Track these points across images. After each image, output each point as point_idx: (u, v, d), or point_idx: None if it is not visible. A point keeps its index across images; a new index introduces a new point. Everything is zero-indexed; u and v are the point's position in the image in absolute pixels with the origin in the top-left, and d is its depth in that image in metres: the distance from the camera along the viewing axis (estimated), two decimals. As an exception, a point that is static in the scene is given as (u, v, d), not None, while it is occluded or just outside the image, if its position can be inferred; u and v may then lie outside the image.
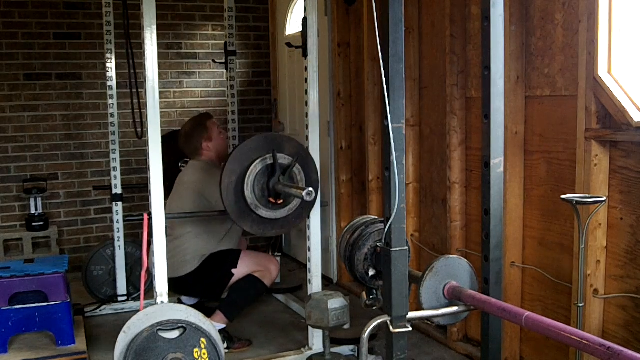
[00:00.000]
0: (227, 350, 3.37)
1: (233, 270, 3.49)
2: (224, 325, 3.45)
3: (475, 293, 2.18)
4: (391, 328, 2.05)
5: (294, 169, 3.01)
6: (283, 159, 3.00)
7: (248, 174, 2.92)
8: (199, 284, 3.52)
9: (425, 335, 3.59)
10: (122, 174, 4.17)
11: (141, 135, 3.98)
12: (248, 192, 2.93)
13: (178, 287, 3.50)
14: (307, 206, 3.09)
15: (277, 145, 3.00)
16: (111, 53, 4.07)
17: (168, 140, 3.64)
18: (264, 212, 2.99)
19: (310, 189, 2.71)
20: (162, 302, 2.75)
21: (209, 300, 3.78)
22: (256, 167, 2.94)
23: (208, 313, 3.22)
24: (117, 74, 4.13)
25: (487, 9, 2.16)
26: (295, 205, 3.05)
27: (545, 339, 2.85)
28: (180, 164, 3.98)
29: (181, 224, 3.52)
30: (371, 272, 2.48)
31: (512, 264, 2.97)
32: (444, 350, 3.39)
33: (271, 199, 2.97)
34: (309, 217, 3.18)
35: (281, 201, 2.99)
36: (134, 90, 3.79)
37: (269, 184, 2.96)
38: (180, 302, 3.66)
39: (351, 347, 3.34)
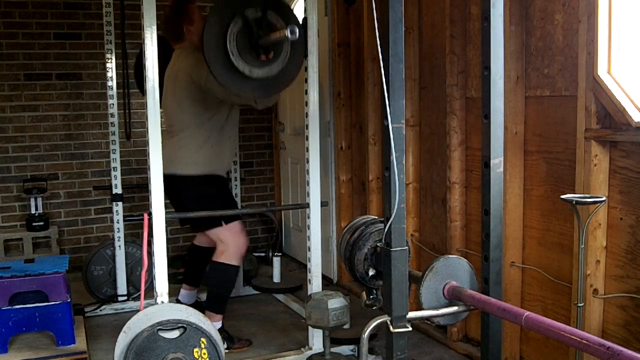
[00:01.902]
0: (227, 350, 3.37)
1: (223, 222, 3.41)
2: (220, 323, 3.45)
3: (475, 293, 2.19)
4: (391, 328, 2.05)
5: (270, 19, 2.83)
6: (254, 12, 2.82)
7: (227, 41, 2.75)
8: (190, 197, 3.41)
9: (425, 335, 3.59)
10: (122, 174, 4.17)
11: (130, 135, 3.99)
12: (235, 58, 2.77)
13: (168, 185, 3.25)
14: (298, 49, 2.95)
15: (244, 1, 2.82)
16: (111, 53, 4.07)
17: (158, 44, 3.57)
18: (259, 72, 2.82)
19: (292, 25, 2.54)
20: (162, 302, 2.75)
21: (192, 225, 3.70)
22: (232, 32, 2.76)
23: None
24: (117, 74, 4.14)
25: (487, 9, 2.16)
26: (287, 53, 2.89)
27: (545, 339, 2.86)
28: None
29: (180, 120, 3.41)
30: (371, 272, 2.48)
31: (512, 264, 2.98)
32: (443, 350, 3.40)
33: (262, 57, 2.82)
34: (307, 162, 3.14)
35: (271, 55, 2.84)
36: (127, 91, 3.79)
37: (251, 43, 2.79)
38: (178, 302, 3.66)
39: (351, 347, 3.34)
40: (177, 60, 3.47)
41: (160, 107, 2.78)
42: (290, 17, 2.93)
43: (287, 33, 2.51)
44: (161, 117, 2.80)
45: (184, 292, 3.86)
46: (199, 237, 3.87)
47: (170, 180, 3.26)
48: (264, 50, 2.82)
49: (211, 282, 3.51)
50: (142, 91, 2.97)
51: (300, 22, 3.10)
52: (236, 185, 4.30)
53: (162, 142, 2.80)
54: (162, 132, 2.80)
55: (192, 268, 3.91)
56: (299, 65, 3.02)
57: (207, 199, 3.41)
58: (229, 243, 3.44)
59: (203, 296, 4.07)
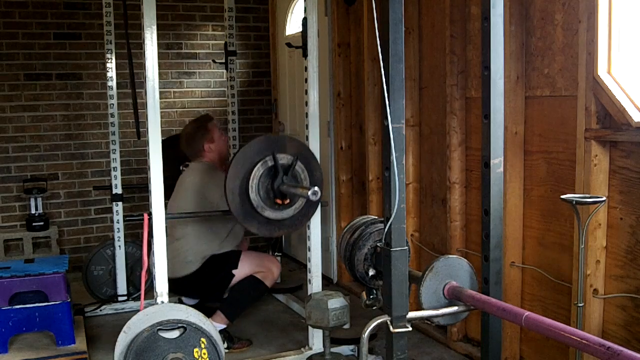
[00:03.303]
0: (227, 350, 3.37)
1: (234, 271, 3.48)
2: (224, 326, 3.45)
3: (475, 293, 2.19)
4: (391, 328, 2.05)
5: (296, 168, 3.00)
6: (285, 159, 2.99)
7: (252, 176, 2.92)
8: (199, 285, 3.51)
9: (425, 335, 3.59)
10: (122, 174, 4.17)
11: (140, 135, 3.99)
12: (253, 194, 2.92)
13: (179, 288, 3.50)
14: (312, 204, 3.09)
15: (278, 146, 3.00)
16: (111, 53, 4.08)
17: (169, 144, 3.64)
18: (270, 214, 2.98)
19: (316, 188, 2.69)
20: (162, 302, 2.75)
21: (209, 301, 3.79)
22: (259, 170, 2.93)
23: (208, 313, 3.22)
24: (117, 74, 4.14)
25: (487, 9, 2.16)
26: (301, 204, 3.04)
27: (545, 339, 2.86)
28: (181, 167, 4.00)
29: (182, 225, 3.52)
30: (371, 272, 2.48)
31: (512, 264, 2.98)
32: (444, 350, 3.40)
33: (277, 200, 2.96)
34: None
35: (287, 201, 2.99)
36: (138, 91, 3.78)
37: (274, 185, 2.95)
38: (180, 302, 3.66)
39: (351, 347, 3.34)
40: (193, 173, 3.58)
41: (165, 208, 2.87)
42: (315, 171, 3.08)
43: (310, 194, 2.68)
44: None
45: None
46: None
47: (177, 283, 3.36)
48: (281, 196, 2.96)
49: (238, 289, 3.53)
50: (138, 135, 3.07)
51: (301, 23, 3.12)
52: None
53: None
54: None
55: None
56: (308, 216, 3.13)
57: (213, 280, 3.50)
58: (267, 268, 3.55)
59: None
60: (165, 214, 2.83)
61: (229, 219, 3.41)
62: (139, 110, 4.90)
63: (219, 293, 3.58)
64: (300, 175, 3.04)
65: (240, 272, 3.50)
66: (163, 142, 2.79)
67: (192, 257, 3.47)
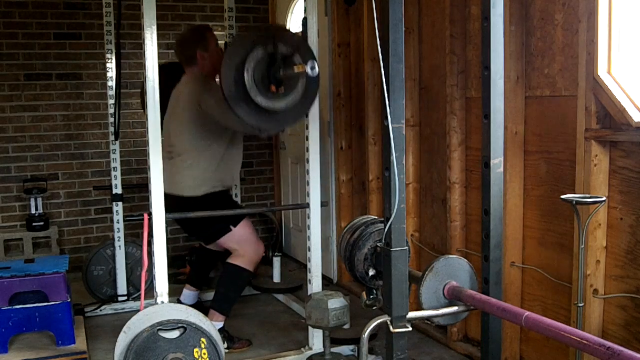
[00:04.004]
0: (227, 350, 3.37)
1: (232, 227, 3.42)
2: (222, 324, 3.44)
3: (475, 293, 2.19)
4: (391, 328, 2.05)
5: (294, 59, 2.84)
6: (284, 48, 2.83)
7: (249, 59, 2.76)
8: (197, 221, 3.41)
9: (425, 335, 3.59)
10: (122, 174, 4.17)
11: (117, 136, 3.97)
12: (248, 76, 2.76)
13: (172, 205, 3.28)
14: (307, 100, 2.96)
15: (278, 35, 2.85)
16: (111, 53, 4.07)
17: (168, 70, 3.58)
18: (262, 100, 2.81)
19: (313, 61, 2.56)
20: (162, 302, 2.75)
21: (194, 237, 3.65)
22: (257, 53, 2.78)
23: (206, 313, 3.22)
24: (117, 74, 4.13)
25: (487, 9, 2.16)
26: (295, 98, 2.90)
27: (545, 339, 2.86)
28: None
29: (181, 143, 3.42)
30: (371, 272, 2.48)
31: (512, 264, 2.98)
32: (444, 350, 3.40)
33: (272, 87, 2.82)
34: (307, 162, 3.14)
35: (282, 90, 2.85)
36: (120, 91, 3.80)
37: (270, 72, 2.81)
38: (179, 302, 3.66)
39: (351, 347, 3.34)
40: (185, 84, 3.49)
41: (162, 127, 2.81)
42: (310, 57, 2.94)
43: (307, 68, 2.56)
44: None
45: (186, 292, 3.87)
46: None
47: (173, 200, 3.28)
48: (277, 82, 2.83)
49: (222, 282, 3.49)
50: (144, 108, 3.01)
51: (301, 23, 3.11)
52: (236, 185, 4.30)
53: (164, 165, 2.81)
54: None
55: (197, 269, 3.91)
56: (300, 114, 3.03)
57: (213, 217, 3.40)
58: (245, 249, 3.45)
59: (205, 297, 4.09)
60: (162, 131, 2.75)
61: (224, 133, 3.35)
62: (139, 111, 4.91)
63: (207, 236, 3.51)
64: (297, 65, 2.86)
65: (238, 232, 3.43)
66: (163, 67, 2.72)
67: (191, 180, 3.39)
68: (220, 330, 3.36)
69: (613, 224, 2.51)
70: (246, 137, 5.42)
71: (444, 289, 2.25)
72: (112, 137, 4.08)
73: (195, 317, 2.67)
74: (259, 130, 3.15)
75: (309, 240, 3.20)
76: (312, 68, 2.55)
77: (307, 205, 3.19)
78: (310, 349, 3.26)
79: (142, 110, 4.66)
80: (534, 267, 2.92)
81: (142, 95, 3.56)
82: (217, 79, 3.12)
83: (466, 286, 2.26)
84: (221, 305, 3.45)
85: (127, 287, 4.20)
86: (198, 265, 3.92)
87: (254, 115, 2.85)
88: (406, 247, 2.07)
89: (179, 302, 3.68)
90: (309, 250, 3.19)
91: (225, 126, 3.31)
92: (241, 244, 3.46)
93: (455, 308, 2.23)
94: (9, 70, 4.81)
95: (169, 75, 2.89)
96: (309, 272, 3.20)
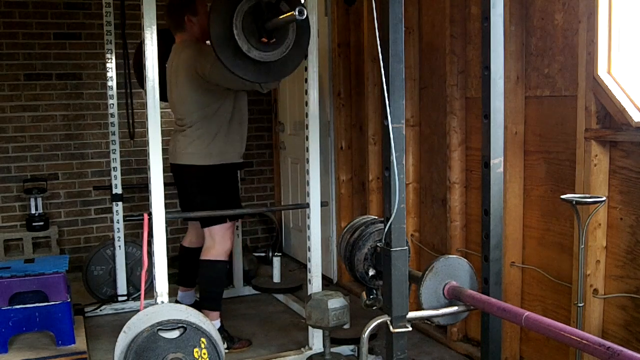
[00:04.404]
0: (227, 350, 3.37)
1: (228, 219, 3.46)
2: (218, 321, 3.46)
3: (475, 293, 2.19)
4: (391, 328, 2.05)
5: (280, 6, 2.82)
6: None
7: (235, 14, 2.74)
8: (199, 188, 3.46)
9: (425, 335, 3.59)
10: (122, 174, 4.17)
11: (133, 135, 3.99)
12: (237, 33, 2.75)
13: (185, 176, 3.48)
14: (300, 48, 2.96)
15: None
16: (111, 53, 4.08)
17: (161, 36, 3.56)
18: (257, 54, 2.80)
19: (301, 6, 2.51)
20: (162, 302, 2.75)
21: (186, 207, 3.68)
22: (242, 7, 2.76)
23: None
24: (117, 74, 4.14)
25: (487, 9, 2.16)
26: (289, 44, 2.89)
27: (545, 339, 2.86)
28: (167, 63, 3.93)
29: (189, 114, 3.42)
30: (371, 272, 2.48)
31: (512, 264, 2.98)
32: (444, 350, 3.40)
33: (264, 39, 2.80)
34: (307, 162, 3.14)
35: (273, 40, 2.83)
36: (129, 91, 3.79)
37: (258, 23, 2.78)
38: (177, 302, 3.66)
39: (351, 347, 3.34)
40: (178, 53, 3.47)
41: (162, 100, 2.82)
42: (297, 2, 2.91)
43: (296, 13, 2.50)
44: (162, 114, 2.81)
45: (181, 294, 3.87)
46: (188, 238, 3.88)
47: (180, 170, 3.44)
48: (268, 34, 2.81)
49: (202, 280, 3.52)
50: (142, 85, 3.00)
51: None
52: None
53: (173, 137, 2.77)
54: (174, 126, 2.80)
55: (184, 269, 3.91)
56: (297, 60, 3.01)
57: (215, 192, 3.45)
58: (218, 241, 3.46)
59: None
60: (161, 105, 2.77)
61: (226, 101, 3.38)
62: (139, 111, 4.91)
63: (205, 219, 3.47)
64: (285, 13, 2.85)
65: (227, 226, 3.47)
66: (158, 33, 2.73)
67: (204, 150, 3.40)
68: (220, 330, 3.37)
69: (613, 224, 2.51)
70: (251, 122, 5.40)
71: (444, 289, 2.25)
72: (112, 137, 4.09)
73: (195, 317, 2.67)
74: (259, 85, 3.17)
75: (309, 240, 3.20)
76: (300, 13, 2.49)
77: (307, 205, 3.19)
78: (310, 349, 3.26)
79: (142, 110, 4.66)
80: (534, 267, 2.92)
81: (139, 71, 3.55)
82: (208, 43, 3.10)
83: (466, 286, 2.26)
84: (209, 304, 3.47)
85: (127, 287, 4.20)
86: (184, 265, 3.91)
87: (251, 71, 2.86)
88: (406, 247, 2.07)
89: (177, 302, 3.68)
90: (309, 250, 3.19)
91: (226, 87, 3.32)
92: (224, 237, 3.48)
93: (455, 308, 2.23)
94: (9, 70, 4.81)
95: (160, 43, 2.90)
96: (309, 272, 3.20)
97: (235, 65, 2.83)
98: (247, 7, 2.77)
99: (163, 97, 3.61)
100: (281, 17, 2.69)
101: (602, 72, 2.47)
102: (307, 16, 3.04)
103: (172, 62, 3.51)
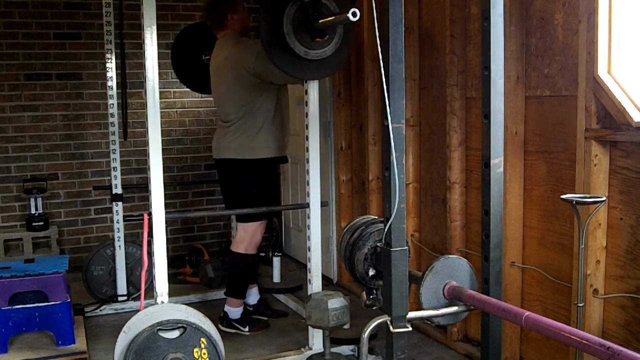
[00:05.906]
0: (248, 333, 3.65)
1: (264, 217, 3.63)
2: (241, 308, 3.65)
3: (475, 293, 2.19)
4: (391, 328, 2.05)
5: (324, 2, 2.86)
6: None
7: (284, 22, 2.79)
8: (241, 182, 3.55)
9: (425, 335, 3.59)
10: (122, 174, 4.17)
11: (126, 135, 3.99)
12: (291, 41, 2.80)
13: (228, 170, 3.58)
14: (348, 39, 3.01)
15: None
16: (111, 53, 4.08)
17: (187, 33, 3.63)
18: (314, 54, 2.86)
19: (354, 8, 2.52)
20: (162, 302, 2.75)
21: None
22: (289, 14, 2.79)
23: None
24: (117, 74, 4.13)
25: (487, 9, 2.16)
26: (340, 35, 2.94)
27: (545, 339, 2.86)
28: (203, 56, 3.95)
29: (236, 110, 3.48)
30: (371, 272, 2.48)
31: (512, 264, 2.98)
32: (444, 350, 3.40)
33: (317, 38, 2.85)
34: (307, 162, 3.18)
35: (326, 37, 2.88)
36: (130, 91, 3.82)
37: (307, 24, 2.82)
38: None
39: (351, 347, 3.34)
40: (222, 50, 3.54)
41: (204, 93, 2.85)
42: (343, 2, 2.95)
43: (349, 15, 2.50)
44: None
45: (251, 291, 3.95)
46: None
47: (225, 164, 3.57)
48: (319, 32, 2.85)
49: (231, 271, 3.70)
50: (184, 82, 3.04)
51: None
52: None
53: (217, 132, 3.11)
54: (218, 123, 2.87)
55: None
56: (350, 45, 3.07)
57: (257, 186, 3.54)
58: (251, 236, 3.60)
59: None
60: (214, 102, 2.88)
61: (272, 83, 3.42)
62: (139, 111, 4.90)
63: (243, 215, 3.57)
64: (330, 9, 2.90)
65: (262, 224, 3.62)
66: (183, 31, 2.76)
67: (237, 142, 3.49)
68: (243, 319, 3.66)
69: (613, 224, 2.51)
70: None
71: (444, 289, 2.25)
72: (112, 137, 4.09)
73: (195, 317, 2.67)
74: (304, 81, 3.21)
75: (309, 240, 3.20)
76: (354, 15, 2.49)
77: (307, 205, 3.19)
78: (310, 349, 3.26)
79: (142, 110, 4.66)
80: (534, 267, 2.92)
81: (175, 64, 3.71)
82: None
83: (466, 286, 2.26)
84: (234, 291, 3.64)
85: (127, 287, 4.20)
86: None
87: (312, 70, 2.95)
88: (406, 247, 2.08)
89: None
90: (309, 250, 3.19)
91: (270, 80, 3.37)
92: (256, 233, 3.62)
93: (455, 308, 2.23)
94: (9, 70, 4.81)
95: (188, 38, 2.94)
96: (309, 272, 3.20)
97: (296, 70, 2.92)
98: (293, 10, 2.81)
99: (206, 90, 3.88)
100: (334, 18, 2.71)
101: (602, 72, 2.47)
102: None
103: (216, 59, 3.58)
